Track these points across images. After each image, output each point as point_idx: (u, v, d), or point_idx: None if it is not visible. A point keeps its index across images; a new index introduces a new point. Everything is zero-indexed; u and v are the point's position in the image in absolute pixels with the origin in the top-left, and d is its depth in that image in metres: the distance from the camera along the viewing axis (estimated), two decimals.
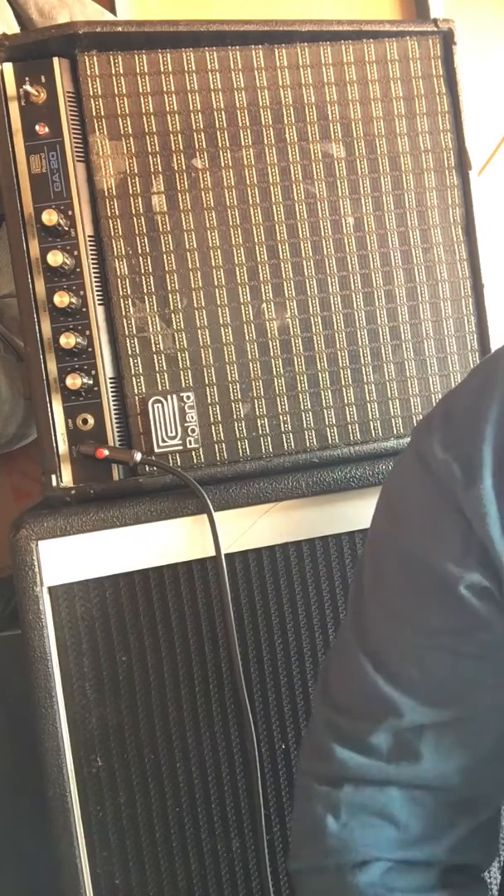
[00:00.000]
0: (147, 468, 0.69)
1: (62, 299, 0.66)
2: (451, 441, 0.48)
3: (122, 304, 0.69)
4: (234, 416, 0.71)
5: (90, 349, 0.68)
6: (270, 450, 0.72)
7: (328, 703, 0.55)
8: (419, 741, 0.50)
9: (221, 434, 0.71)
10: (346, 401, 0.73)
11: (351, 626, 0.54)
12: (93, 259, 0.68)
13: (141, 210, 0.69)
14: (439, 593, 0.48)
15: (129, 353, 0.69)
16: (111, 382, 0.69)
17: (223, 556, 0.67)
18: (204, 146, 0.70)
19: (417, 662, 0.50)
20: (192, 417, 0.70)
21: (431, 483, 0.49)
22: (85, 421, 0.68)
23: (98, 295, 0.69)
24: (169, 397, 0.70)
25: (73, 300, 0.67)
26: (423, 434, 0.51)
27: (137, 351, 0.69)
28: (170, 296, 0.70)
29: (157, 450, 0.69)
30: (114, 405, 0.69)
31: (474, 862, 0.53)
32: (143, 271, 0.69)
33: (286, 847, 0.71)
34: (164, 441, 0.69)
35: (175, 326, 0.70)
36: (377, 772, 0.50)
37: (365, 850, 0.50)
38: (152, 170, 0.69)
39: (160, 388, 0.70)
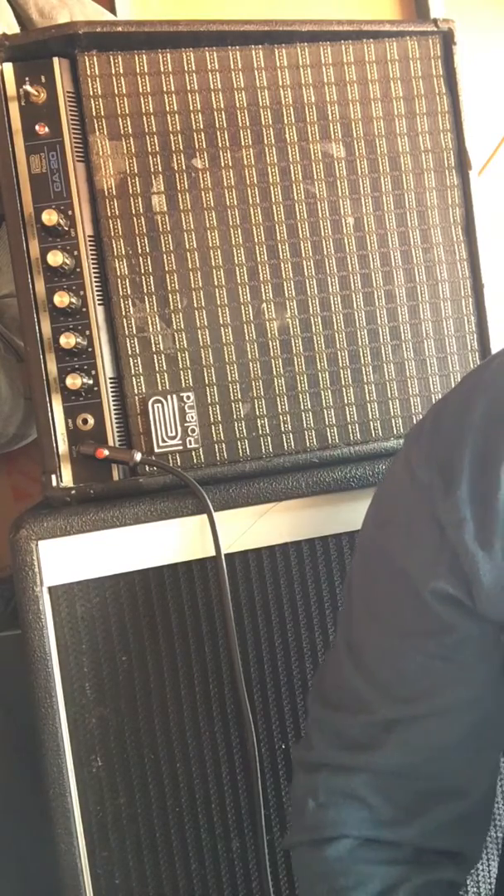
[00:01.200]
0: (147, 468, 0.69)
1: (62, 299, 0.66)
2: (435, 450, 0.50)
3: (122, 304, 0.69)
4: (234, 416, 0.71)
5: (90, 349, 0.68)
6: (270, 450, 0.72)
7: (318, 697, 0.58)
8: (388, 734, 0.52)
9: (221, 434, 0.71)
10: (346, 401, 0.73)
11: (341, 622, 0.57)
12: (93, 259, 0.68)
13: (141, 210, 0.69)
14: (410, 597, 0.50)
15: (129, 353, 0.69)
16: (111, 382, 0.69)
17: (223, 556, 0.67)
18: (204, 146, 0.70)
19: (392, 661, 0.52)
20: (192, 417, 0.70)
21: (414, 490, 0.50)
22: (85, 421, 0.68)
23: (98, 295, 0.69)
24: (169, 397, 0.70)
25: (73, 300, 0.67)
26: (412, 441, 0.53)
27: (137, 351, 0.69)
28: (170, 296, 0.70)
29: (157, 450, 0.69)
30: (114, 405, 0.69)
31: (452, 848, 0.55)
32: (143, 271, 0.69)
33: None
34: (164, 441, 0.69)
35: (175, 326, 0.70)
36: (349, 760, 0.54)
37: (336, 828, 0.53)
38: (152, 170, 0.69)
39: (160, 388, 0.70)
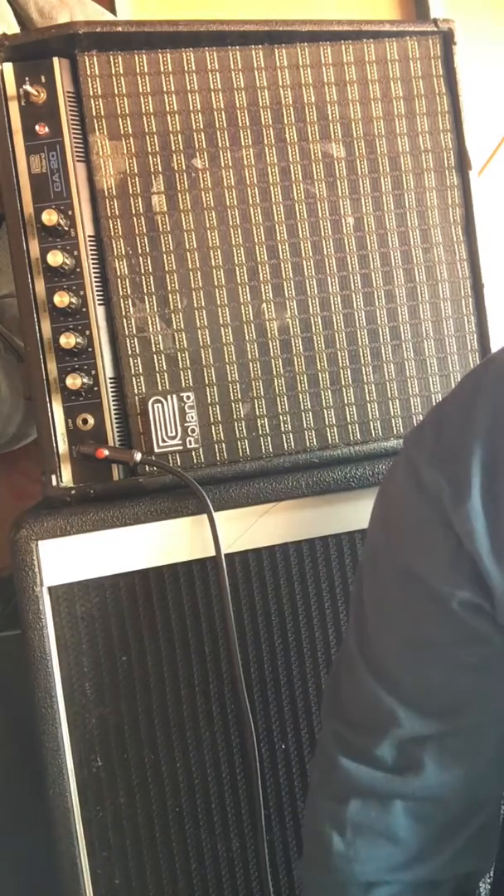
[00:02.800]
0: (147, 468, 0.69)
1: (62, 299, 0.66)
2: (441, 456, 0.48)
3: (122, 304, 0.69)
4: (234, 416, 0.71)
5: (90, 349, 0.68)
6: (270, 450, 0.72)
7: (334, 714, 0.55)
8: (422, 752, 0.50)
9: (221, 434, 0.71)
10: (346, 401, 0.73)
11: (353, 635, 0.54)
12: (93, 259, 0.68)
13: (141, 210, 0.69)
14: (433, 607, 0.48)
15: (129, 353, 0.69)
16: (111, 382, 0.69)
17: (223, 556, 0.67)
18: (204, 146, 0.70)
19: (418, 673, 0.50)
20: (192, 417, 0.70)
21: (422, 498, 0.49)
22: (85, 421, 0.68)
23: (98, 295, 0.69)
24: (169, 397, 0.70)
25: (73, 300, 0.67)
26: (414, 446, 0.51)
27: (137, 351, 0.69)
28: (170, 296, 0.70)
29: (157, 450, 0.69)
30: (114, 405, 0.69)
31: (475, 869, 0.54)
32: (143, 271, 0.69)
33: (286, 847, 0.71)
34: (164, 441, 0.69)
35: (175, 326, 0.70)
36: (383, 784, 0.50)
37: (370, 872, 0.50)
38: (152, 170, 0.69)
39: (160, 388, 0.70)
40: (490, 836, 0.55)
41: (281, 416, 0.72)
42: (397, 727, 0.50)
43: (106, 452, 0.67)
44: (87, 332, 0.68)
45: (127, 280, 0.69)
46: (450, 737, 0.50)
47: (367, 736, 0.51)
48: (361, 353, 0.74)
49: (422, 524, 0.49)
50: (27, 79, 0.67)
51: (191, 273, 0.70)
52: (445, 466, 0.48)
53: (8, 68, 0.67)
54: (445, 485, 0.47)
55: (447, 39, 0.75)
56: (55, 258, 0.66)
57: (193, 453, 0.70)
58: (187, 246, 0.70)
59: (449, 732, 0.50)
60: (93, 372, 0.68)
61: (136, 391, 0.69)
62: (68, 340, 0.66)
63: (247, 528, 0.69)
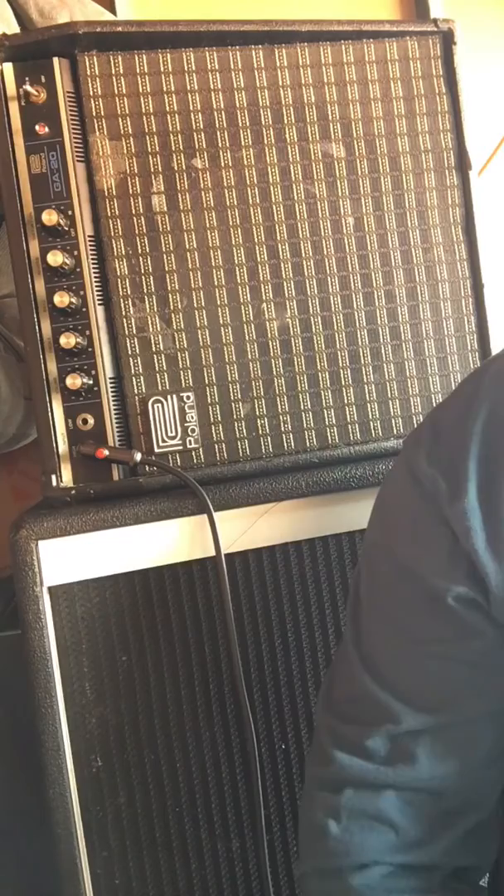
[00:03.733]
0: (147, 468, 0.69)
1: (62, 299, 0.66)
2: (438, 456, 0.50)
3: (122, 304, 0.69)
4: (234, 416, 0.71)
5: (90, 349, 0.68)
6: (270, 450, 0.72)
7: (329, 709, 0.56)
8: (415, 745, 0.51)
9: (221, 434, 0.71)
10: (346, 401, 0.73)
11: (349, 632, 0.56)
12: (93, 259, 0.68)
13: (141, 210, 0.69)
14: (429, 604, 0.49)
15: (129, 353, 0.69)
16: (111, 382, 0.69)
17: (223, 556, 0.67)
18: (204, 146, 0.70)
19: (411, 669, 0.51)
20: (192, 417, 0.70)
21: (419, 496, 0.50)
22: (85, 421, 0.68)
23: (98, 295, 0.69)
24: (169, 397, 0.70)
25: (73, 300, 0.67)
26: (412, 446, 0.52)
27: (137, 351, 0.69)
28: (170, 296, 0.70)
29: (157, 450, 0.69)
30: (114, 405, 0.69)
31: (472, 864, 0.54)
32: (143, 271, 0.69)
33: (286, 847, 0.71)
34: (164, 441, 0.69)
35: (175, 326, 0.70)
36: (375, 775, 0.51)
37: (364, 853, 0.51)
38: (152, 170, 0.69)
39: (160, 388, 0.70)
40: (488, 835, 0.55)
41: (281, 416, 0.72)
42: (391, 722, 0.51)
43: (106, 452, 0.67)
44: (87, 332, 0.68)
45: (127, 280, 0.69)
46: (443, 730, 0.51)
47: (359, 728, 0.52)
48: (361, 353, 0.74)
49: (418, 521, 0.50)
50: (27, 79, 0.67)
51: (191, 273, 0.70)
52: (442, 465, 0.49)
53: (8, 68, 0.67)
54: (442, 482, 0.48)
55: (447, 39, 0.75)
56: (55, 258, 0.66)
57: (193, 453, 0.70)
58: (187, 246, 0.70)
59: (442, 726, 0.51)
60: (93, 372, 0.68)
61: (136, 391, 0.69)
62: (68, 340, 0.66)
63: (247, 528, 0.69)
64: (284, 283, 0.72)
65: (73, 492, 0.67)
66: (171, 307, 0.70)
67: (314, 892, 0.54)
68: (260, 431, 0.72)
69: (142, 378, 0.69)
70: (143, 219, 0.69)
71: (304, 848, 0.55)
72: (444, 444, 0.50)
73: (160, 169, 0.69)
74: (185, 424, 0.70)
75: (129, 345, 0.69)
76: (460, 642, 0.49)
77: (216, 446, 0.71)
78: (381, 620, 0.53)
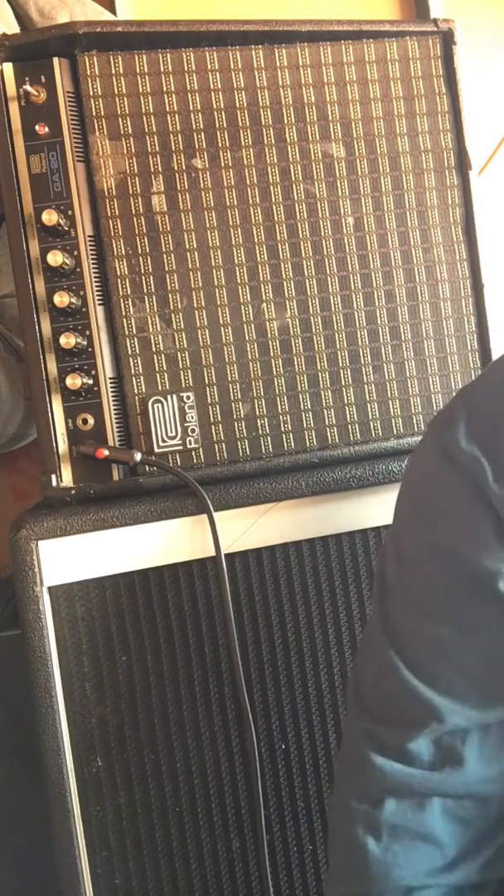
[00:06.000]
0: (147, 468, 0.69)
1: (62, 299, 0.66)
2: (477, 433, 0.47)
3: (122, 304, 0.69)
4: (234, 416, 0.71)
5: (90, 349, 0.68)
6: (270, 450, 0.72)
7: (363, 710, 0.52)
8: (462, 746, 0.47)
9: (221, 434, 0.71)
10: (346, 401, 0.73)
11: (379, 626, 0.52)
12: (93, 259, 0.68)
13: (141, 210, 0.69)
14: (474, 589, 0.46)
15: (129, 353, 0.69)
16: (111, 382, 0.69)
17: (223, 556, 0.67)
18: (204, 146, 0.70)
19: (455, 663, 0.48)
20: (192, 417, 0.70)
21: (457, 476, 0.47)
22: (85, 421, 0.68)
23: (98, 295, 0.69)
24: (169, 397, 0.70)
25: (73, 300, 0.67)
26: (444, 427, 0.49)
27: (137, 351, 0.69)
28: (170, 296, 0.70)
29: (157, 450, 0.69)
30: (114, 405, 0.69)
31: None
32: (143, 271, 0.69)
33: (286, 847, 0.71)
34: (164, 441, 0.69)
35: (175, 326, 0.70)
36: (420, 781, 0.48)
37: (409, 877, 0.47)
38: (152, 170, 0.69)
39: (160, 388, 0.70)
40: None
41: (281, 416, 0.72)
42: (434, 720, 0.47)
43: (106, 452, 0.67)
44: (87, 332, 0.68)
45: (127, 280, 0.69)
46: (492, 728, 0.48)
47: (401, 731, 0.48)
48: (361, 353, 0.74)
49: (459, 503, 0.47)
50: (27, 79, 0.67)
51: (191, 273, 0.70)
52: (483, 442, 0.46)
53: (8, 68, 0.67)
54: (484, 460, 0.46)
55: (447, 39, 0.75)
56: (55, 258, 0.66)
57: (193, 453, 0.70)
58: (187, 246, 0.70)
59: (492, 723, 0.47)
60: (93, 372, 0.68)
61: (136, 391, 0.69)
62: (68, 340, 0.66)
63: (247, 528, 0.69)
64: (284, 283, 0.72)
65: (73, 492, 0.67)
66: (171, 307, 0.70)
67: None
68: (260, 431, 0.72)
69: (142, 378, 0.69)
70: (143, 219, 0.69)
71: (337, 869, 0.51)
72: (482, 422, 0.47)
73: (160, 169, 0.69)
74: (185, 424, 0.70)
75: (129, 345, 0.69)
76: None
77: (216, 446, 0.71)
78: (417, 611, 0.49)
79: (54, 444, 0.67)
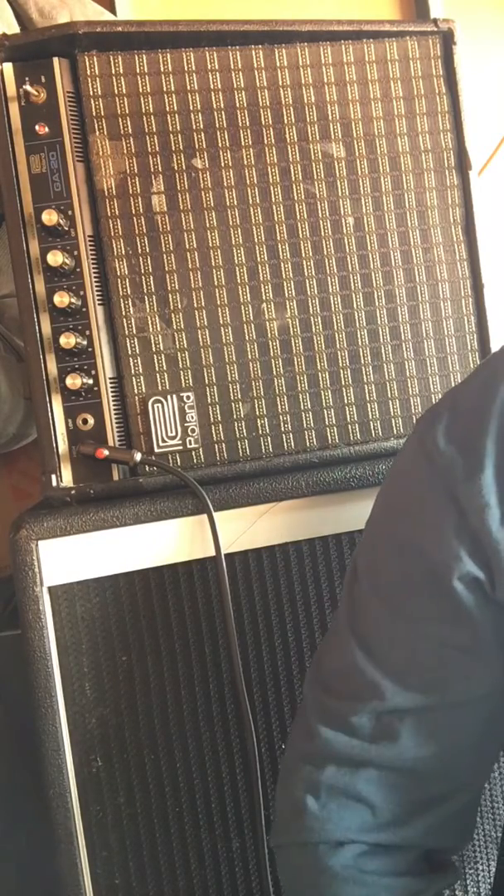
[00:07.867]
0: (147, 468, 0.69)
1: (62, 299, 0.66)
2: (455, 433, 0.49)
3: (122, 304, 0.69)
4: (234, 416, 0.71)
5: (90, 349, 0.68)
6: (270, 450, 0.72)
7: (318, 684, 0.56)
8: (400, 724, 0.51)
9: (221, 434, 0.71)
10: (346, 401, 0.73)
11: (344, 608, 0.56)
12: (93, 259, 0.68)
13: (141, 210, 0.69)
14: (430, 582, 0.49)
15: (129, 353, 0.69)
16: (111, 382, 0.69)
17: (223, 556, 0.67)
18: (204, 146, 0.70)
19: (404, 648, 0.51)
20: (192, 417, 0.70)
21: (430, 472, 0.50)
22: (85, 421, 0.68)
23: (98, 295, 0.69)
24: (169, 397, 0.70)
25: (73, 300, 0.67)
26: (427, 425, 0.52)
27: (137, 351, 0.69)
28: (170, 296, 0.70)
29: (157, 450, 0.69)
30: (114, 405, 0.69)
31: (449, 845, 0.55)
32: (143, 271, 0.69)
33: None
34: (164, 441, 0.69)
35: (175, 326, 0.70)
36: (358, 751, 0.52)
37: (341, 832, 0.51)
38: (152, 170, 0.69)
39: (160, 388, 0.70)
40: (468, 820, 0.56)
41: (281, 416, 0.72)
42: (377, 698, 0.51)
43: (106, 452, 0.67)
44: (87, 332, 0.68)
45: (127, 280, 0.69)
46: (429, 712, 0.51)
47: (347, 704, 0.52)
48: (361, 353, 0.74)
49: (426, 499, 0.50)
50: (27, 79, 0.67)
51: (191, 273, 0.70)
52: (460, 441, 0.49)
53: (8, 68, 0.67)
54: (459, 458, 0.48)
55: (447, 39, 0.75)
56: (55, 258, 0.66)
57: (193, 453, 0.70)
58: (187, 246, 0.70)
59: (429, 708, 0.51)
60: (93, 372, 0.68)
61: (136, 391, 0.69)
62: (68, 340, 0.66)
63: (247, 528, 0.69)
64: (284, 283, 0.72)
65: (73, 492, 0.67)
66: (171, 307, 0.70)
67: (288, 867, 0.55)
68: (260, 431, 0.72)
69: (142, 378, 0.70)
70: (143, 219, 0.69)
71: (280, 821, 0.56)
72: (463, 423, 0.50)
73: (160, 169, 0.69)
74: (185, 424, 0.70)
75: (129, 345, 0.69)
76: (456, 625, 0.49)
77: (216, 446, 0.71)
78: (377, 598, 0.53)
79: (54, 444, 0.67)
